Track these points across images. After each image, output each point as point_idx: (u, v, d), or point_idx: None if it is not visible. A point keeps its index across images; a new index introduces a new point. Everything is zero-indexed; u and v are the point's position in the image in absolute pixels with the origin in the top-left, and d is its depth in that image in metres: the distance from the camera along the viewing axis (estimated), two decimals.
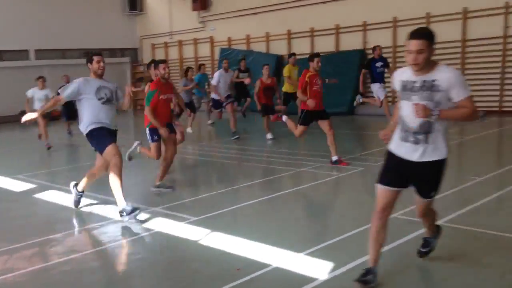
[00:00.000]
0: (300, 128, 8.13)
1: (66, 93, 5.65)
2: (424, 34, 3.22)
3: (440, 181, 3.45)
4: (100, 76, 5.74)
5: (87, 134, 5.70)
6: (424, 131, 3.29)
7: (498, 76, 13.72)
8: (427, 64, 3.23)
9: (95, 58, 5.70)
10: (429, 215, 3.79)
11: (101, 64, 5.70)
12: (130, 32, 23.39)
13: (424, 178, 3.43)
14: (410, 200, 6.03)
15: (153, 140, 6.89)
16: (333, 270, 3.90)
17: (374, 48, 11.96)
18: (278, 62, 17.45)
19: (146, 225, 5.37)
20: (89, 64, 5.75)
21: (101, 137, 5.63)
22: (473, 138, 10.37)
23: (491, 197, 5.83)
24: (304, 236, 4.87)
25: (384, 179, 3.48)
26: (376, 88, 11.85)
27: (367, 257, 3.99)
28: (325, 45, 16.82)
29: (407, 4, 14.91)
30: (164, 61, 6.94)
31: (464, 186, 6.43)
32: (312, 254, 4.27)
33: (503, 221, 5.09)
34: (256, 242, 4.64)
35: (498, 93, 13.82)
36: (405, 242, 4.48)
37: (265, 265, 4.09)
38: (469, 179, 6.70)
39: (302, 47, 17.37)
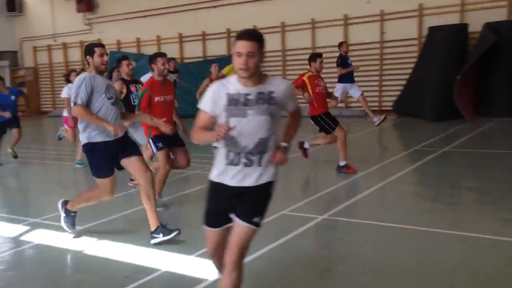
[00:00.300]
0: (338, 130, 7.28)
1: (81, 97, 4.42)
2: (256, 36, 2.75)
3: (268, 205, 2.94)
4: (102, 73, 4.65)
5: (86, 145, 4.59)
6: (259, 151, 2.82)
7: (376, 78, 14.76)
8: (258, 73, 2.78)
9: (97, 50, 4.53)
10: (240, 267, 2.87)
11: (105, 58, 4.56)
12: (8, 34, 21.73)
13: (252, 201, 2.88)
14: (296, 197, 6.27)
15: (158, 148, 5.70)
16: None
17: (340, 44, 10.97)
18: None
19: (24, 237, 5.00)
20: (88, 57, 4.57)
21: (101, 163, 4.59)
22: (356, 136, 11.03)
23: (371, 190, 6.22)
24: (194, 238, 4.83)
25: (211, 220, 2.96)
26: (353, 87, 10.93)
27: (257, 254, 4.10)
28: (217, 48, 16.95)
29: (294, 10, 15.53)
30: (163, 55, 5.67)
31: (347, 181, 6.81)
32: (202, 255, 4.24)
33: (381, 211, 5.47)
34: (145, 247, 4.52)
35: (377, 93, 14.86)
36: (293, 237, 4.63)
37: (154, 270, 3.99)
38: (352, 174, 7.11)
39: (194, 51, 17.35)
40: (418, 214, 5.33)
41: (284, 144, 2.92)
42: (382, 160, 8.20)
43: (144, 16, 18.21)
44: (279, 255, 4.23)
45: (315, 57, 7.35)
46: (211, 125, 2.88)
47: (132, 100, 6.60)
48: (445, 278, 3.64)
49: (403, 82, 13.82)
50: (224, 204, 2.91)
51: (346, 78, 10.88)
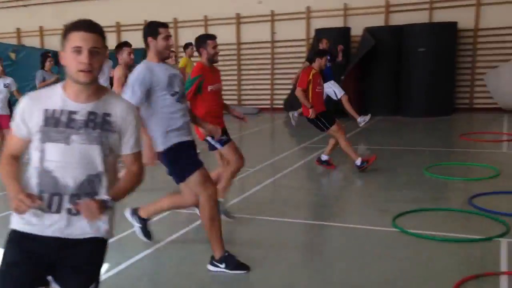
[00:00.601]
0: (334, 129, 6.92)
1: (136, 93, 3.53)
2: (99, 28, 2.07)
3: (102, 264, 2.22)
4: (165, 59, 3.80)
5: (171, 149, 3.69)
6: (88, 193, 2.06)
7: (268, 76, 15.16)
8: (96, 83, 2.08)
9: (163, 31, 3.68)
10: None
11: (171, 41, 3.73)
12: None
13: (82, 263, 2.12)
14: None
15: (222, 144, 4.85)
16: (107, 271, 3.77)
17: (320, 41, 10.36)
18: (57, 58, 16.30)
19: None
20: (151, 40, 3.71)
21: (190, 155, 3.75)
22: (248, 133, 11.25)
23: (262, 185, 6.38)
24: None
25: (9, 285, 2.05)
26: (330, 86, 10.21)
27: (141, 255, 4.05)
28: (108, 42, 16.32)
29: (186, 6, 15.43)
30: (213, 37, 4.78)
31: (239, 177, 6.90)
32: None
33: (271, 206, 5.63)
34: None
35: (269, 92, 15.27)
36: (182, 234, 4.62)
37: None
38: (244, 170, 7.24)
39: None
40: (304, 208, 5.57)
41: (104, 197, 2.05)
42: (272, 156, 8.44)
43: (25, 6, 16.98)
44: (167, 253, 4.19)
45: (322, 53, 7.00)
46: (23, 151, 2.14)
47: None
48: (327, 266, 3.85)
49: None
50: (34, 264, 2.06)
51: (329, 75, 10.19)
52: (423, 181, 6.33)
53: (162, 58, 3.73)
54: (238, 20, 15.06)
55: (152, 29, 3.70)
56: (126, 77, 5.83)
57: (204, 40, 4.75)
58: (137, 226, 4.26)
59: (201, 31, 15.32)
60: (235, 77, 15.31)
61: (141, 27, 14.57)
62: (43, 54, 10.05)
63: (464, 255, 3.97)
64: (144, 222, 4.26)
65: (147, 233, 4.27)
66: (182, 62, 10.68)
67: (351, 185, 6.72)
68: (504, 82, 11.91)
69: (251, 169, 7.27)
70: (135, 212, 4.27)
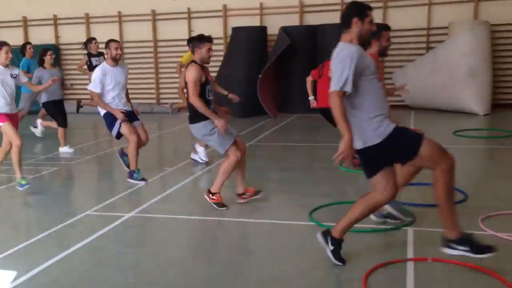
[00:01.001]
0: None
1: (347, 82, 3.32)
2: None
3: None
4: (363, 45, 3.60)
5: (381, 144, 3.43)
6: None
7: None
8: None
9: (370, 15, 3.50)
10: None
11: (374, 26, 3.57)
12: None
13: None
14: (103, 195, 6.03)
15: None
16: (15, 279, 3.56)
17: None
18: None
19: None
20: (356, 21, 3.45)
21: (406, 136, 3.47)
22: (168, 132, 11.08)
23: (180, 185, 6.31)
24: None
25: None
26: None
27: (52, 261, 3.89)
28: (12, 38, 15.34)
29: (99, 1, 14.89)
30: (389, 28, 4.50)
31: (157, 177, 6.79)
32: None
33: (190, 205, 5.59)
34: None
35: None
36: (97, 237, 4.45)
37: None
38: (163, 170, 7.13)
39: None
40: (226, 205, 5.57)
41: None
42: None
43: None
44: (81, 258, 4.02)
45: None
46: None
47: (206, 94, 5.16)
48: (242, 260, 3.88)
49: None
50: None
51: None
52: (338, 175, 6.56)
53: (363, 42, 3.53)
54: (154, 17, 14.77)
55: (360, 10, 3.49)
56: (201, 80, 5.10)
57: (380, 31, 4.43)
58: (328, 249, 3.70)
59: (115, 27, 14.85)
60: (153, 75, 14.99)
61: (50, 22, 13.97)
62: (43, 50, 8.69)
63: (375, 244, 4.17)
64: (337, 243, 3.70)
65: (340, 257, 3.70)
66: (186, 57, 9.26)
67: (271, 181, 6.82)
68: (409, 81, 12.66)
69: (169, 168, 7.18)
70: (327, 233, 3.76)
